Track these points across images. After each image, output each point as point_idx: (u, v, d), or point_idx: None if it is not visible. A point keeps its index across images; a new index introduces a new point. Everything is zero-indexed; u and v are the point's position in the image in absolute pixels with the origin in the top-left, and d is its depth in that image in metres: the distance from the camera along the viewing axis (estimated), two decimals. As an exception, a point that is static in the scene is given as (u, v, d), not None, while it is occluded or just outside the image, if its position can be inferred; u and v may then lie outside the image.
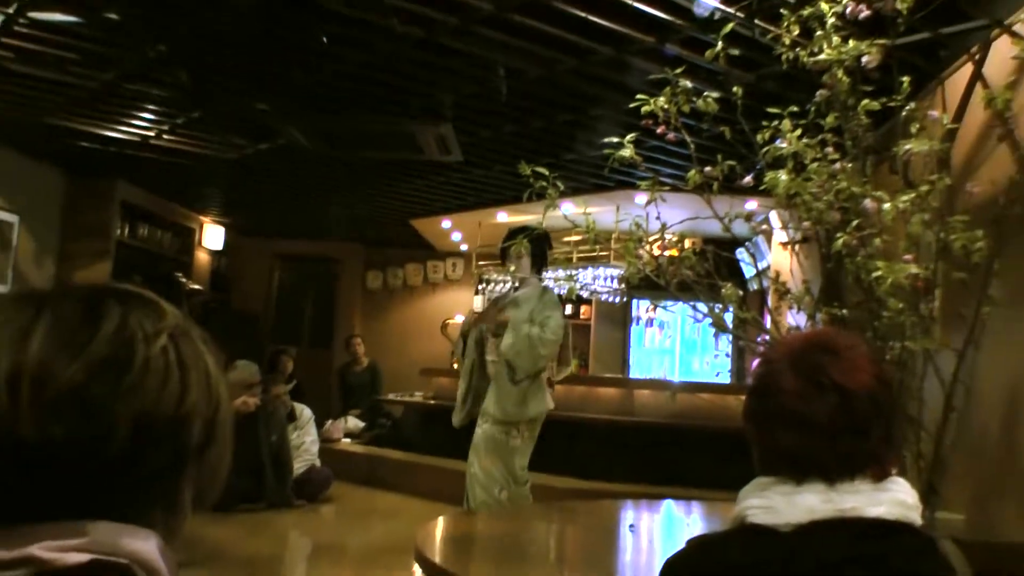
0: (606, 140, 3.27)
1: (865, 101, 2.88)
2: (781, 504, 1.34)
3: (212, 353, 0.91)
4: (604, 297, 11.20)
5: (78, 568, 0.79)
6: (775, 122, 3.00)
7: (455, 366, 11.01)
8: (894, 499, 1.34)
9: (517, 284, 5.59)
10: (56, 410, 0.78)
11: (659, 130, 3.09)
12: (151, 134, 7.27)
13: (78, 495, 0.80)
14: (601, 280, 10.50)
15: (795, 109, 3.00)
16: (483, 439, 5.24)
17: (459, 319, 11.33)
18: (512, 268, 5.51)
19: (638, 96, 3.10)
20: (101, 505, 0.81)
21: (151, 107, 6.59)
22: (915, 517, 1.36)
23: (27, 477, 0.79)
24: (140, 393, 0.81)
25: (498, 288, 10.76)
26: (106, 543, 0.80)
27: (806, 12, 2.94)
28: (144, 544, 0.83)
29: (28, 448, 0.77)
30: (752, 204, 5.49)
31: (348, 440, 9.99)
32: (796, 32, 2.99)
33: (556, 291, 5.71)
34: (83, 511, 0.80)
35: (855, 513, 1.32)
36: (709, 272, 3.22)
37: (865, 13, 2.86)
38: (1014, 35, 3.26)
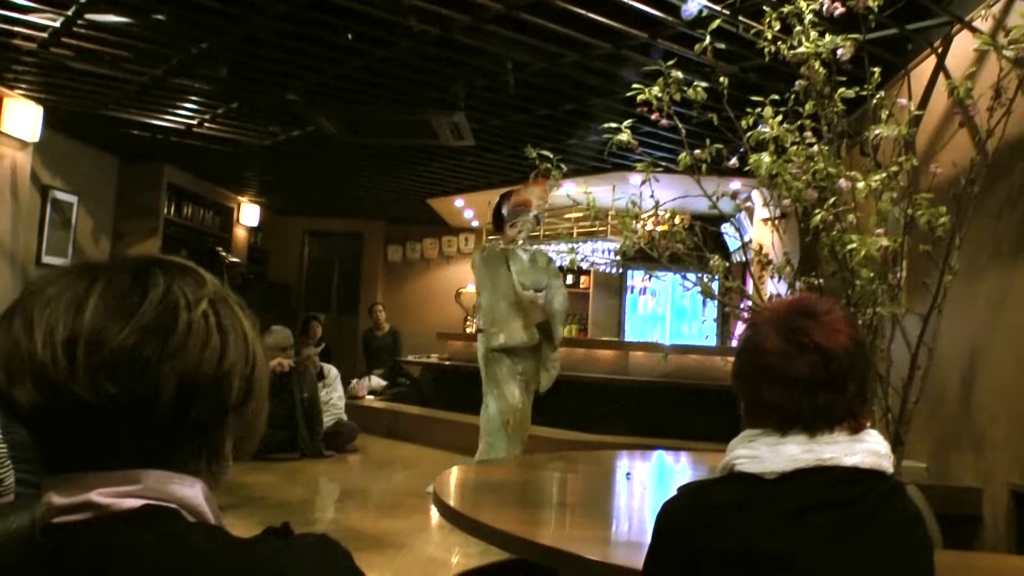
0: (605, 126, 3.24)
1: (840, 90, 2.85)
2: (767, 454, 1.33)
3: (249, 318, 0.89)
4: (602, 268, 11.18)
5: (132, 512, 0.78)
6: (758, 109, 2.96)
7: (469, 330, 11.03)
8: (868, 449, 1.34)
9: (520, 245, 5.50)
10: (109, 371, 0.77)
11: (653, 116, 3.05)
12: (194, 123, 7.24)
13: (131, 447, 0.80)
14: (599, 253, 10.48)
15: (776, 97, 2.96)
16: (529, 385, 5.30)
17: (471, 288, 11.35)
18: (521, 236, 5.42)
19: (634, 86, 3.06)
20: (152, 455, 0.81)
21: (194, 99, 6.57)
22: (887, 465, 1.35)
23: (85, 431, 0.78)
24: (184, 354, 0.80)
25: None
26: (157, 489, 0.80)
27: (786, 9, 2.89)
28: (191, 490, 0.82)
29: (84, 405, 0.76)
30: (737, 184, 5.41)
31: (372, 397, 10.03)
32: (777, 28, 2.95)
33: (557, 262, 5.69)
34: (136, 461, 0.80)
35: (833, 462, 1.31)
36: (698, 245, 3.19)
37: (840, 10, 2.82)
38: (973, 30, 3.22)
